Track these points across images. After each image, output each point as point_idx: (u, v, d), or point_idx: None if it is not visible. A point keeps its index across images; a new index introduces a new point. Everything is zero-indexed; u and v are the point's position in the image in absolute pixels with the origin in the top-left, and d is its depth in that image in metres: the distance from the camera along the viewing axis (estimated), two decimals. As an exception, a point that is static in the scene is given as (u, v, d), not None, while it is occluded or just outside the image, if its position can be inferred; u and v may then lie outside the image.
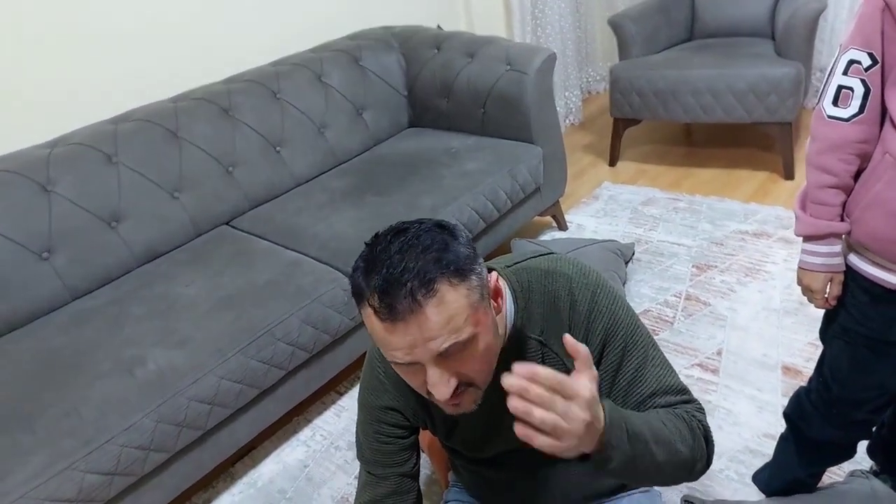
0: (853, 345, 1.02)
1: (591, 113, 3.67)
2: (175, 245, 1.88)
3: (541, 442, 0.67)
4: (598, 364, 0.89)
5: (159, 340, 1.45)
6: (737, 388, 1.62)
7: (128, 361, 1.39)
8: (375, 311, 0.70)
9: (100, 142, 1.79)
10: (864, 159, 0.94)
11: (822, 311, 1.09)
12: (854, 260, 0.99)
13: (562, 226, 2.51)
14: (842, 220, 0.98)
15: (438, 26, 2.78)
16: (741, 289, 1.97)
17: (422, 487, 1.50)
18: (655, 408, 0.88)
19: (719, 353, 1.74)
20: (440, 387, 0.74)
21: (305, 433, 1.73)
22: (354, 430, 1.09)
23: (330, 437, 1.70)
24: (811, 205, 0.99)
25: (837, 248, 1.00)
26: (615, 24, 2.88)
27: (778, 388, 1.59)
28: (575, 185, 2.81)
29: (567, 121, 3.55)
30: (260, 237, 1.86)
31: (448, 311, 0.71)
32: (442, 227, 0.76)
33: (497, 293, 0.82)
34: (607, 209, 2.60)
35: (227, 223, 1.99)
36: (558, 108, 3.46)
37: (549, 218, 2.51)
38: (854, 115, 0.90)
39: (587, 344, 0.87)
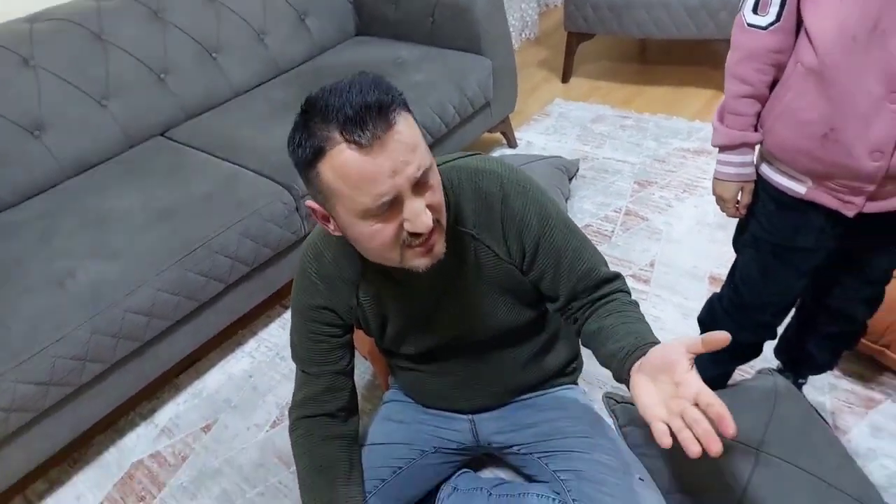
0: (762, 252, 1.08)
1: (547, 27, 3.58)
2: (106, 156, 1.80)
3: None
4: (534, 256, 0.94)
5: (91, 253, 1.42)
6: (666, 296, 1.70)
7: (58, 274, 1.37)
8: (352, 143, 0.71)
9: (13, 43, 1.66)
10: (779, 70, 0.95)
11: (735, 217, 1.14)
12: (765, 169, 1.02)
13: (511, 143, 2.50)
14: (755, 130, 1.01)
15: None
16: (678, 204, 2.03)
17: (363, 392, 1.56)
18: (597, 283, 0.97)
19: (652, 265, 1.81)
20: (423, 216, 0.76)
21: (251, 345, 1.76)
22: None
23: (275, 349, 1.73)
24: (728, 115, 1.01)
25: (749, 157, 1.03)
26: (572, -70, 2.75)
27: (704, 297, 1.66)
28: (527, 102, 2.78)
29: (522, 35, 3.46)
30: (197, 149, 1.80)
31: (412, 134, 0.75)
32: (379, 77, 0.78)
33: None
34: (557, 126, 2.59)
35: (161, 134, 1.91)
36: (514, 22, 3.36)
37: (498, 134, 2.50)
38: (771, 24, 0.91)
39: (522, 239, 0.92)
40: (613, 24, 2.64)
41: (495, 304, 1.00)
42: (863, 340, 1.38)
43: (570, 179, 2.12)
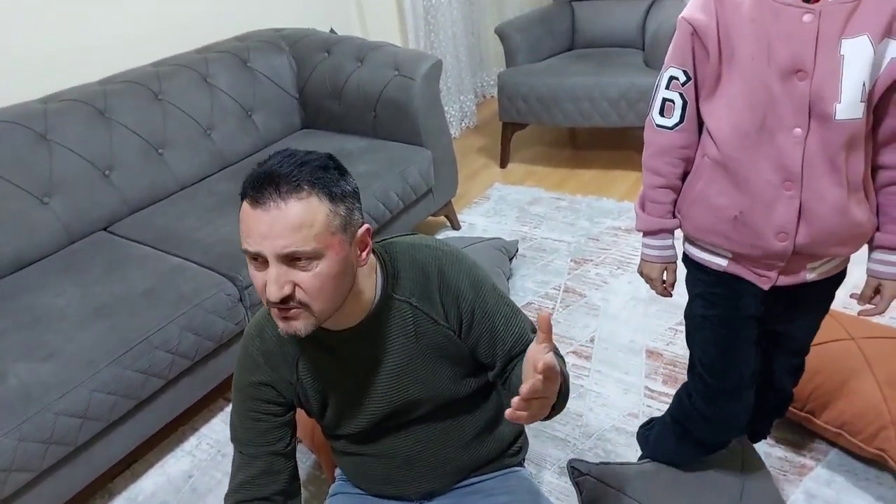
0: (714, 329, 1.13)
1: (485, 116, 3.81)
2: (45, 253, 1.78)
3: (527, 419, 0.79)
4: (471, 322, 1.00)
5: (23, 354, 1.37)
6: (606, 371, 1.76)
7: (-13, 378, 1.31)
8: (248, 197, 0.82)
9: (-46, 144, 1.66)
10: (688, 163, 1.07)
11: (681, 298, 1.21)
12: (689, 248, 1.13)
13: (455, 225, 2.60)
14: (672, 216, 1.12)
15: (332, 30, 2.79)
16: (613, 280, 2.14)
17: (310, 488, 1.52)
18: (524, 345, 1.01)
19: (592, 341, 1.88)
20: (272, 285, 0.83)
21: (191, 442, 1.70)
22: None
23: (217, 445, 1.68)
24: (648, 203, 1.12)
25: (669, 241, 1.14)
26: (501, 34, 3.01)
27: (642, 371, 1.76)
28: (469, 186, 2.92)
29: (463, 124, 3.67)
30: (140, 243, 1.80)
31: (303, 218, 0.81)
32: (333, 160, 0.87)
33: (364, 245, 0.91)
34: (497, 208, 2.72)
35: (104, 229, 1.90)
36: (454, 112, 3.57)
37: (442, 218, 2.60)
38: (676, 124, 1.04)
39: (459, 306, 1.00)
40: (543, 114, 2.85)
41: (435, 372, 1.02)
42: (790, 408, 1.46)
43: (511, 259, 2.21)
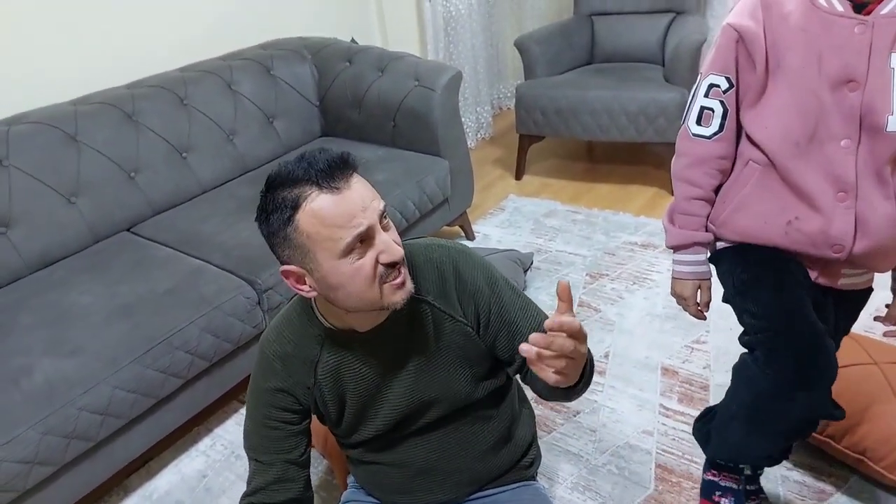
0: (768, 282, 1.04)
1: (501, 128, 3.83)
2: (71, 251, 1.82)
3: (555, 379, 0.80)
4: (488, 317, 1.01)
5: (49, 350, 1.40)
6: (620, 388, 1.76)
7: (13, 372, 1.34)
8: (325, 190, 0.83)
9: (-13, 144, 1.70)
10: (725, 174, 1.06)
11: (698, 318, 1.16)
12: (722, 244, 1.11)
13: (469, 235, 2.61)
14: (706, 230, 1.10)
15: (353, 40, 2.83)
16: (629, 295, 2.14)
17: (322, 493, 1.53)
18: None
19: (607, 356, 1.88)
20: (393, 245, 0.87)
21: (205, 442, 1.71)
22: None
23: (231, 447, 1.70)
24: (679, 216, 1.11)
25: (702, 256, 1.12)
26: (521, 46, 3.04)
27: (657, 388, 1.75)
28: (483, 197, 2.93)
29: (479, 135, 3.69)
30: (162, 244, 1.83)
31: (368, 183, 0.88)
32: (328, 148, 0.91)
33: None
34: (512, 220, 2.73)
35: (127, 230, 1.94)
36: (470, 123, 3.59)
37: (457, 228, 2.61)
38: (715, 133, 1.03)
39: (476, 302, 1.01)
40: (561, 127, 2.87)
41: (453, 373, 1.03)
42: (843, 448, 1.41)
43: (526, 272, 2.22)
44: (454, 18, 3.34)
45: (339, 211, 0.83)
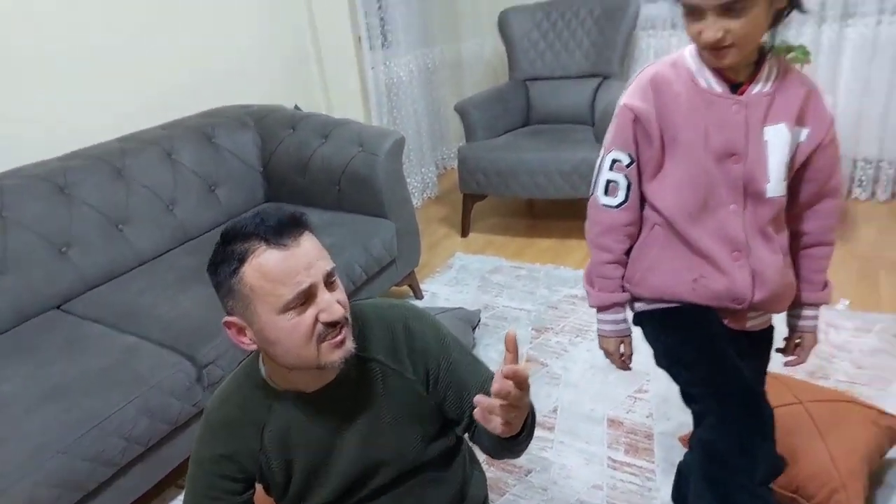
0: (694, 345, 1.12)
1: (446, 187, 3.93)
2: (-6, 333, 1.73)
3: (501, 429, 0.84)
4: (437, 375, 1.02)
5: (-36, 445, 1.31)
6: (569, 442, 1.78)
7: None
8: (272, 245, 0.85)
9: None
10: (633, 239, 1.15)
11: (639, 366, 1.27)
12: (641, 306, 1.19)
13: (418, 294, 2.63)
14: (622, 290, 1.18)
15: (296, 106, 2.88)
16: (572, 348, 2.19)
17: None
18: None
19: (555, 411, 1.91)
20: (335, 305, 0.88)
21: (143, 531, 1.62)
22: None
23: (172, 532, 1.61)
24: (597, 279, 1.19)
25: (622, 315, 1.20)
26: (461, 111, 3.17)
27: (604, 440, 1.78)
28: (431, 255, 2.98)
29: (424, 195, 3.77)
30: (95, 321, 1.76)
31: (318, 244, 0.90)
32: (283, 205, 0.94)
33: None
34: (459, 278, 2.77)
35: (58, 307, 1.86)
36: (416, 183, 3.67)
37: (405, 287, 2.63)
38: (621, 203, 1.12)
39: (426, 360, 1.03)
40: (501, 186, 2.97)
41: (404, 432, 1.03)
42: (777, 489, 1.47)
43: (474, 329, 2.24)
44: (396, 85, 3.47)
45: (283, 267, 0.85)
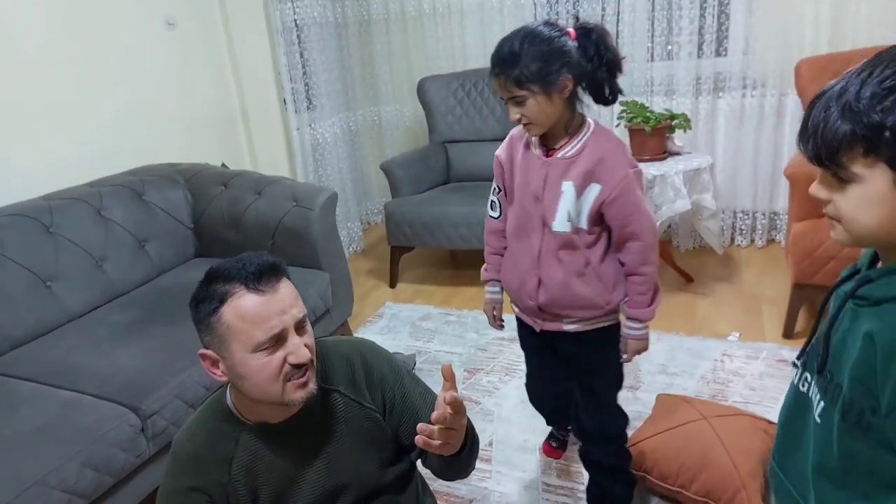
0: (524, 347, 1.74)
1: (371, 241, 4.06)
2: None
3: (440, 449, 0.95)
4: (393, 403, 1.14)
5: None
6: (506, 472, 1.90)
7: None
8: (251, 290, 0.94)
9: None
10: (503, 240, 1.53)
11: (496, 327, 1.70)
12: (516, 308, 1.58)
13: (350, 345, 2.69)
14: (498, 272, 1.58)
15: (223, 164, 2.94)
16: (503, 386, 2.33)
17: None
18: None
19: (491, 444, 2.02)
20: (302, 348, 0.97)
21: None
22: None
23: None
24: (487, 264, 1.61)
25: (496, 288, 1.63)
26: (386, 169, 3.35)
27: (537, 468, 1.91)
28: (361, 306, 3.06)
29: (350, 248, 3.87)
30: (26, 379, 1.71)
31: (294, 292, 1.00)
32: (266, 253, 1.03)
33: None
34: (391, 326, 2.87)
35: (-20, 368, 1.78)
36: (342, 238, 3.77)
37: (340, 336, 2.69)
38: (498, 216, 1.53)
39: (382, 390, 1.14)
40: (427, 238, 3.15)
41: (362, 458, 1.12)
42: (661, 483, 1.68)
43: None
44: (321, 145, 3.61)
45: (259, 311, 0.94)
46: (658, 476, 1.70)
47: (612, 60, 1.29)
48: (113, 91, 2.57)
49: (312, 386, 1.02)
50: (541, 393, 1.82)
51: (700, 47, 3.19)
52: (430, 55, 3.77)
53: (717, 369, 2.32)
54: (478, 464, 1.91)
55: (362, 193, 4.22)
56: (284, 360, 0.97)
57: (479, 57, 3.65)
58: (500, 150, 1.47)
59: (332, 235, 2.48)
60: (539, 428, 2.07)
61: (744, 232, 3.44)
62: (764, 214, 3.39)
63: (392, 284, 3.32)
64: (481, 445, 2.04)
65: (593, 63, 1.27)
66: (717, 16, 3.14)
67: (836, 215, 0.76)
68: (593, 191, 1.32)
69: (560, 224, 1.35)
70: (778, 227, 3.41)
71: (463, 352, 2.60)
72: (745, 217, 3.42)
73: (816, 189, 0.78)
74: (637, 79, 3.31)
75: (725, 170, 3.32)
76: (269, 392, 0.99)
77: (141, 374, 1.70)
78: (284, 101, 3.38)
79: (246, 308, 0.94)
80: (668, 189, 2.73)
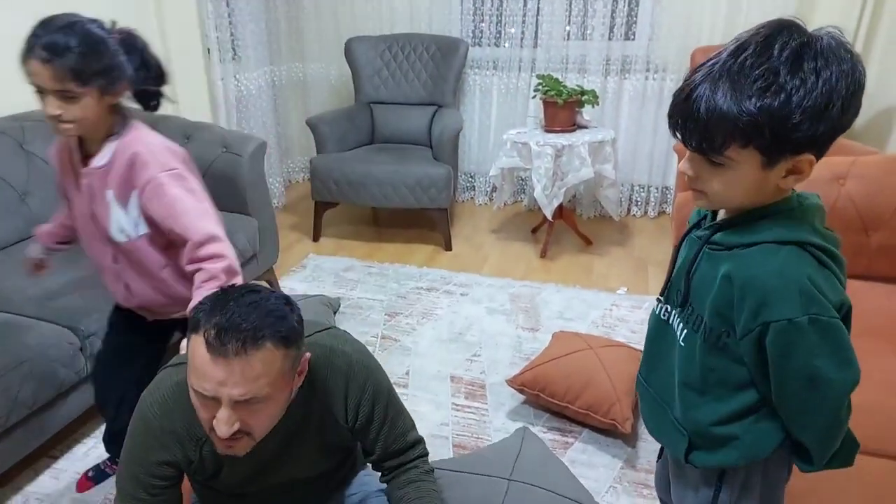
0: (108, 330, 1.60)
1: (292, 199, 4.13)
2: None
3: None
4: (366, 422, 1.17)
5: None
6: (421, 395, 2.14)
7: None
8: (208, 343, 0.86)
9: None
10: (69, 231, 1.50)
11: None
12: None
13: (276, 290, 2.81)
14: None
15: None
16: (420, 327, 2.57)
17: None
18: (407, 446, 1.24)
19: (408, 374, 2.26)
20: (222, 425, 0.90)
21: (16, 501, 1.62)
22: (114, 484, 1.14)
23: (49, 499, 1.64)
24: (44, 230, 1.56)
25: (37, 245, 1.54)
26: (312, 125, 3.44)
27: (448, 391, 2.17)
28: (284, 257, 3.17)
29: (273, 204, 3.93)
30: (-45, 302, 1.73)
31: (262, 369, 0.89)
32: (289, 301, 0.96)
33: (302, 371, 1.03)
34: (314, 275, 3.02)
35: None
36: (264, 192, 3.82)
37: (264, 283, 2.80)
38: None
39: (359, 409, 1.14)
40: (352, 195, 3.29)
41: (321, 455, 1.22)
42: (551, 400, 1.98)
43: (335, 313, 2.51)
44: (245, 98, 3.63)
45: (201, 365, 0.88)
46: (549, 395, 2.00)
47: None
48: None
49: (239, 450, 0.96)
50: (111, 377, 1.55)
51: (612, 30, 3.51)
52: (358, 16, 3.86)
53: (605, 316, 2.67)
54: (398, 388, 2.16)
55: (284, 151, 4.27)
56: (213, 418, 0.92)
57: (406, 21, 3.80)
58: (52, 148, 1.37)
59: (260, 183, 2.58)
60: (451, 361, 2.33)
61: (639, 203, 3.85)
62: (657, 189, 3.80)
63: (315, 238, 3.44)
64: (400, 374, 2.27)
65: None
66: (629, 1, 3.46)
67: (704, 190, 0.87)
68: (135, 196, 1.27)
69: (117, 234, 1.30)
70: (668, 200, 3.84)
71: (384, 298, 2.80)
72: (641, 190, 3.82)
73: (685, 167, 0.88)
74: (553, 55, 3.58)
75: (626, 145, 3.68)
76: (204, 424, 0.96)
77: (75, 299, 1.77)
78: (209, 50, 3.37)
79: (194, 353, 0.89)
80: (574, 158, 3.04)
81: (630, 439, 1.94)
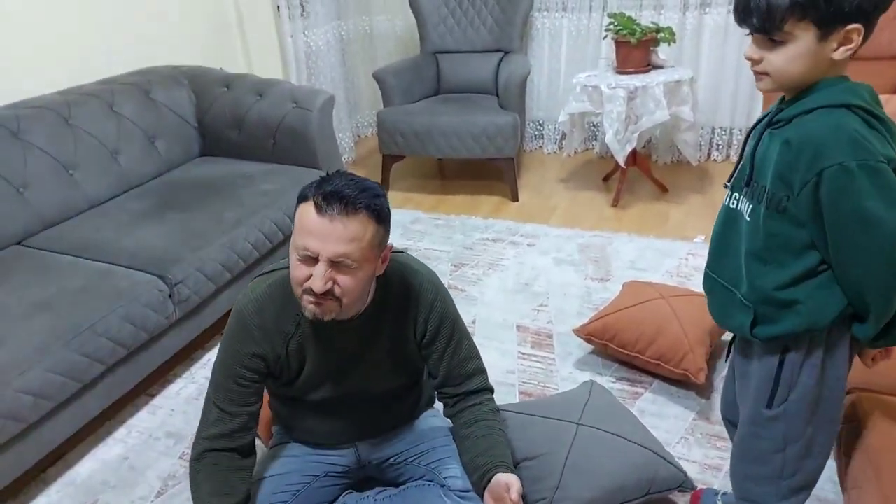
0: None
1: (361, 153, 4.20)
2: (-44, 267, 1.82)
3: None
4: (432, 339, 1.27)
5: (-31, 345, 1.46)
6: (487, 343, 2.17)
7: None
8: (316, 205, 1.03)
9: None
10: None
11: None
12: None
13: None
14: None
15: (221, 69, 3.03)
16: (486, 278, 2.58)
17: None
18: (469, 373, 1.34)
19: (474, 322, 2.29)
20: (318, 280, 1.05)
21: (121, 432, 1.81)
22: (204, 394, 1.27)
23: (147, 432, 1.81)
24: None
25: None
26: (379, 78, 3.45)
27: (515, 340, 2.18)
28: (354, 211, 3.24)
29: (342, 159, 4.01)
30: (60, 252, 1.90)
31: (357, 233, 1.04)
32: (381, 189, 1.12)
33: (385, 259, 1.16)
34: (383, 228, 3.08)
35: (18, 243, 1.97)
36: (334, 148, 3.90)
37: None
38: None
39: (427, 324, 1.26)
40: (418, 147, 3.30)
41: (391, 368, 1.31)
42: (621, 350, 1.95)
43: (402, 265, 2.57)
44: (315, 53, 3.67)
45: (306, 225, 1.04)
46: (618, 344, 1.97)
47: None
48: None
49: (323, 313, 1.10)
50: None
51: (689, -37, 3.26)
52: (423, -36, 3.77)
53: (681, 265, 2.58)
54: (463, 337, 2.20)
55: (353, 105, 4.31)
56: (309, 276, 1.06)
57: (473, -33, 3.68)
58: None
59: (329, 136, 2.63)
60: (517, 311, 2.34)
61: (720, 147, 3.63)
62: (741, 131, 3.56)
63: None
64: (466, 323, 2.29)
65: None
66: (707, -69, 3.19)
67: (766, 70, 0.97)
68: None
69: None
70: (750, 143, 3.60)
71: (450, 250, 2.83)
72: (723, 133, 3.60)
73: (751, 51, 0.99)
74: (626, -7, 3.38)
75: (707, 86, 3.46)
76: (294, 288, 1.11)
77: (164, 250, 1.90)
78: (278, 7, 3.41)
79: (302, 215, 1.05)
80: (648, 100, 2.89)
81: (704, 391, 1.89)
